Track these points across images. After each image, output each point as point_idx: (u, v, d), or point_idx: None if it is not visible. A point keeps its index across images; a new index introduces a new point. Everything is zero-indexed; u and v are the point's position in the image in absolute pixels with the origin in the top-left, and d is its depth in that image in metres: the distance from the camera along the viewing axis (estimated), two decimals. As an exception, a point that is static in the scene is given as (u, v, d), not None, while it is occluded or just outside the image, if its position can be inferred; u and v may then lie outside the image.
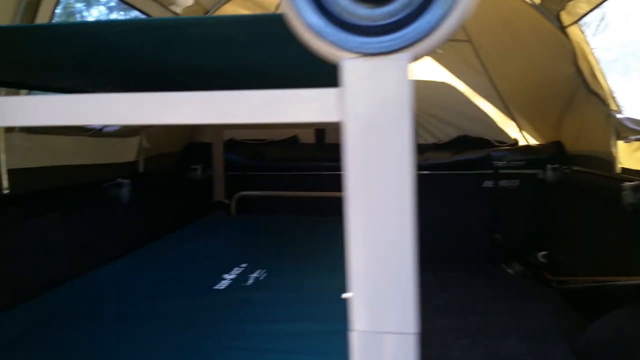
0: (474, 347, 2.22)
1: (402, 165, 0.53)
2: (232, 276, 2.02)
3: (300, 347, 1.38)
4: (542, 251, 3.21)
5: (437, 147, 3.65)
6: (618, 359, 1.77)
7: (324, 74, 0.62)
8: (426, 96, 3.61)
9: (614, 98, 2.61)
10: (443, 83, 3.63)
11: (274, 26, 0.73)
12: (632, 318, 1.82)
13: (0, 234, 1.76)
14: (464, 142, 3.60)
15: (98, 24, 0.84)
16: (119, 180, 2.43)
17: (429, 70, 3.59)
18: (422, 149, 3.59)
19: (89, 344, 1.42)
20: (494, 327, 2.43)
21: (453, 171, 3.46)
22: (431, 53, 0.54)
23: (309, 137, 3.74)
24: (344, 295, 0.57)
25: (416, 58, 0.53)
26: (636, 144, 2.43)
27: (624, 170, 2.50)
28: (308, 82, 0.60)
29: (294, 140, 3.71)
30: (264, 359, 1.33)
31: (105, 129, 2.39)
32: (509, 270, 3.37)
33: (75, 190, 2.20)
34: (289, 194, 3.44)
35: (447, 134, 3.69)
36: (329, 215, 3.41)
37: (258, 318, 1.62)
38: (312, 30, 0.52)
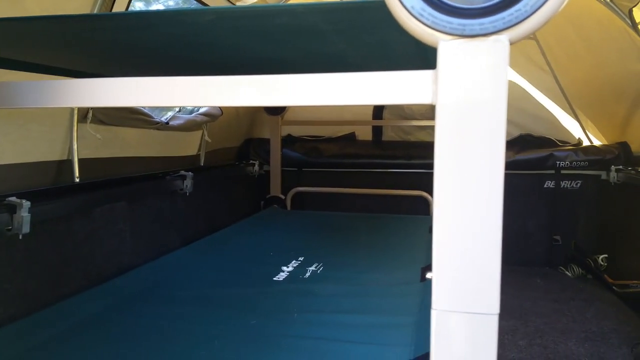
0: (532, 348, 2.17)
1: (495, 149, 0.54)
2: (290, 268, 2.07)
3: (365, 337, 1.41)
4: (602, 254, 3.09)
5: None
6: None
7: (413, 59, 0.64)
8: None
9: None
10: (507, 81, 3.54)
11: (368, 12, 0.75)
12: None
13: (71, 220, 1.86)
14: (526, 141, 3.51)
15: (179, 12, 0.88)
16: (182, 172, 2.53)
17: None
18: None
19: (159, 326, 1.50)
20: (552, 329, 2.37)
21: (514, 171, 3.38)
22: (532, 33, 0.54)
23: (366, 134, 3.75)
24: (428, 275, 0.59)
25: (515, 41, 0.54)
26: None
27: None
28: (396, 68, 0.62)
29: (351, 137, 3.73)
30: (330, 347, 1.35)
31: (171, 123, 2.50)
32: (568, 273, 3.26)
33: (140, 181, 2.30)
34: (344, 191, 3.47)
35: (510, 132, 3.60)
36: (384, 212, 3.43)
37: (318, 308, 1.65)
38: (411, 13, 0.54)
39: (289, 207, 3.53)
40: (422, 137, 3.68)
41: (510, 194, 2.88)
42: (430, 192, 3.37)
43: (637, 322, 2.39)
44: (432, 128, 2.93)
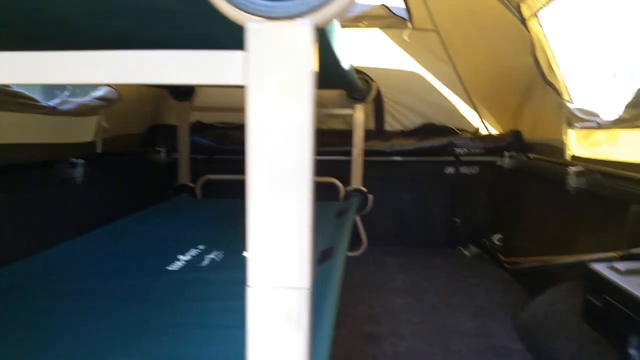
0: (424, 324, 2.30)
1: (304, 128, 0.56)
2: (187, 257, 2.04)
3: None
4: (497, 234, 3.33)
5: (403, 134, 3.73)
6: (550, 331, 1.87)
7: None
8: (394, 84, 3.68)
9: (567, 88, 2.70)
10: (410, 72, 3.69)
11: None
12: (565, 293, 1.92)
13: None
14: (428, 130, 3.68)
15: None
16: (72, 160, 2.39)
17: (397, 59, 3.64)
18: (388, 136, 3.67)
19: (40, 321, 1.42)
20: (446, 305, 2.53)
21: (417, 157, 3.54)
22: (337, 19, 0.56)
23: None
24: (245, 254, 0.60)
25: (321, 24, 0.56)
26: (585, 132, 2.53)
27: (574, 157, 2.60)
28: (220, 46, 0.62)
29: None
30: (216, 333, 1.35)
31: (61, 108, 2.35)
32: (467, 253, 3.49)
33: (21, 169, 2.15)
34: None
35: (413, 121, 3.77)
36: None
37: (209, 296, 1.64)
38: (218, -7, 0.55)
39: (198, 196, 3.46)
40: (334, 125, 3.74)
41: (414, 180, 3.02)
42: (341, 179, 3.43)
43: (523, 296, 2.60)
44: (343, 117, 2.98)
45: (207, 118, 3.63)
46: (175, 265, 1.94)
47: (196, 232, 2.47)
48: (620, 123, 2.18)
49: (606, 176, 2.15)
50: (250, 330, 0.60)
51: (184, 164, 3.43)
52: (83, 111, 2.50)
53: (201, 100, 3.47)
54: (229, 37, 0.57)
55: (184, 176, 3.44)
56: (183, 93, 3.33)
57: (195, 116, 3.57)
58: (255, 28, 0.55)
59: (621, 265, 1.44)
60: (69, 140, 2.54)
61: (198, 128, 3.57)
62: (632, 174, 2.02)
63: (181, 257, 2.03)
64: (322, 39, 1.10)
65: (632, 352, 1.25)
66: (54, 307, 1.53)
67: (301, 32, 0.55)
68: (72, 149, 2.52)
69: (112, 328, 1.39)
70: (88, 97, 2.57)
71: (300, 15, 0.54)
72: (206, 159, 3.52)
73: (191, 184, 3.46)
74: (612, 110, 2.29)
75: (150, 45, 1.13)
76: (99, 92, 2.62)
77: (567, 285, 2.01)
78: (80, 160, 2.42)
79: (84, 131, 2.66)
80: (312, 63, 0.55)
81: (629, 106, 2.07)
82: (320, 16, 0.55)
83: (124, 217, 2.65)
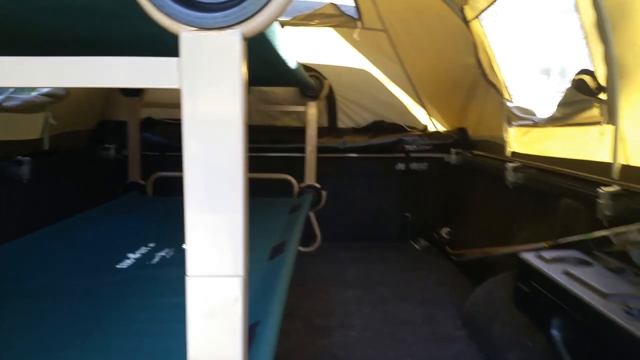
0: (374, 314, 2.39)
1: (235, 127, 0.60)
2: (137, 255, 2.03)
3: None
4: (446, 228, 3.48)
5: (355, 131, 3.81)
6: (488, 318, 2.00)
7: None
8: (346, 82, 3.75)
9: (506, 88, 2.86)
10: (362, 70, 3.77)
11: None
12: (502, 282, 2.05)
13: None
14: (379, 127, 3.78)
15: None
16: (18, 157, 2.33)
17: (349, 57, 3.72)
18: (341, 133, 3.75)
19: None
20: (395, 296, 2.63)
21: (369, 154, 3.63)
22: (265, 28, 0.61)
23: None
24: (184, 246, 0.64)
25: (250, 34, 0.61)
26: (523, 129, 2.69)
27: (513, 154, 2.75)
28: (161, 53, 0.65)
29: (214, 120, 3.69)
30: (163, 328, 1.37)
31: (5, 104, 2.28)
32: (417, 246, 3.62)
33: None
34: None
35: (365, 118, 3.86)
36: (249, 196, 3.46)
37: (160, 293, 1.65)
38: (153, 3, 0.58)
39: (150, 193, 3.42)
40: (288, 122, 3.78)
41: (366, 176, 3.11)
42: (295, 176, 3.47)
43: (468, 286, 2.74)
44: (297, 114, 3.02)
45: (159, 114, 3.59)
46: (125, 263, 1.93)
47: (146, 229, 2.46)
48: (553, 121, 2.33)
49: (540, 171, 2.31)
50: (190, 317, 0.64)
51: (134, 161, 3.38)
52: (29, 107, 2.43)
53: (152, 97, 3.43)
54: (174, 40, 0.60)
55: (134, 173, 3.39)
56: (132, 89, 3.28)
57: (146, 112, 3.52)
58: (188, 37, 0.59)
59: (548, 254, 1.56)
60: (15, 138, 2.47)
61: (149, 124, 3.52)
62: (562, 169, 2.17)
63: (131, 255, 2.02)
64: (265, 41, 1.15)
65: (554, 332, 1.37)
66: (2, 306, 1.51)
67: (231, 41, 0.59)
68: (18, 147, 2.45)
69: (65, 325, 1.39)
70: (34, 93, 2.50)
71: (229, 26, 0.59)
72: (157, 156, 3.49)
73: (142, 182, 3.41)
74: (547, 108, 2.45)
75: (101, 49, 1.15)
76: (46, 88, 2.55)
77: (504, 275, 2.15)
78: (27, 158, 2.36)
79: (30, 128, 2.59)
80: (241, 69, 0.60)
81: (560, 105, 2.22)
82: (249, 27, 0.59)
83: (73, 215, 2.60)
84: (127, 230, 2.46)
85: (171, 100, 3.46)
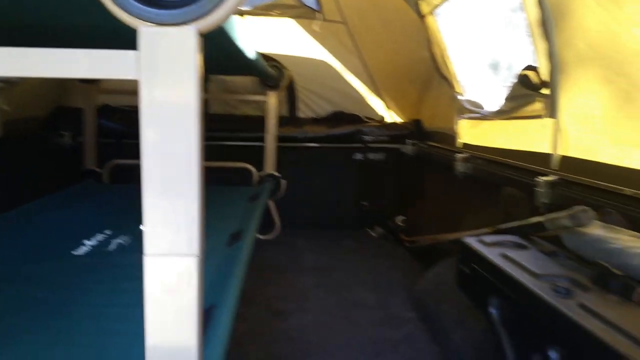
0: (330, 298, 2.49)
1: (190, 116, 0.65)
2: (93, 242, 2.03)
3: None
4: (400, 216, 3.61)
5: (315, 121, 3.88)
6: (436, 300, 2.13)
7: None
8: (306, 73, 3.80)
9: (458, 82, 2.99)
10: (322, 61, 3.83)
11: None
12: (449, 266, 2.17)
13: None
14: (338, 118, 3.87)
15: None
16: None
17: (309, 48, 3.77)
18: (301, 123, 3.81)
19: None
20: (351, 281, 2.73)
21: (328, 144, 3.71)
22: (220, 25, 0.66)
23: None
24: (141, 227, 0.69)
25: (205, 30, 0.66)
26: (473, 122, 2.82)
27: (464, 145, 2.89)
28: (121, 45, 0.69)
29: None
30: (111, 311, 1.40)
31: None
32: (373, 234, 3.74)
33: None
34: None
35: (325, 109, 3.93)
36: (208, 184, 3.48)
37: (118, 278, 1.67)
38: (114, 1, 0.62)
39: (107, 181, 3.38)
40: (247, 111, 3.80)
41: (325, 166, 3.18)
42: (254, 164, 3.49)
43: (420, 272, 2.86)
44: (257, 103, 3.05)
45: (116, 101, 3.54)
46: (81, 250, 1.93)
47: (103, 217, 2.45)
48: (500, 114, 2.47)
49: (486, 162, 2.44)
50: (147, 295, 0.69)
51: (90, 149, 3.33)
52: (-22, 93, 2.36)
53: (109, 84, 3.38)
54: (133, 33, 0.64)
55: (90, 161, 3.34)
56: (88, 75, 3.22)
57: (103, 99, 3.46)
58: (146, 32, 0.63)
59: (488, 239, 1.68)
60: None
61: (106, 111, 3.47)
62: (506, 159, 2.31)
63: (87, 242, 2.02)
64: (223, 34, 1.19)
65: (492, 311, 1.48)
66: None
67: (187, 36, 0.64)
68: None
69: (21, 310, 1.39)
70: (-17, 77, 2.43)
71: (185, 22, 0.63)
72: (114, 143, 3.44)
73: (98, 169, 3.37)
74: (495, 102, 2.58)
75: (62, 39, 1.15)
76: (-4, 73, 2.48)
77: (452, 259, 2.27)
78: None
79: (-19, 114, 2.52)
80: (196, 62, 0.65)
81: (507, 99, 2.36)
82: (204, 23, 0.64)
83: (27, 202, 2.55)
84: (83, 217, 2.44)
85: (128, 87, 3.40)
